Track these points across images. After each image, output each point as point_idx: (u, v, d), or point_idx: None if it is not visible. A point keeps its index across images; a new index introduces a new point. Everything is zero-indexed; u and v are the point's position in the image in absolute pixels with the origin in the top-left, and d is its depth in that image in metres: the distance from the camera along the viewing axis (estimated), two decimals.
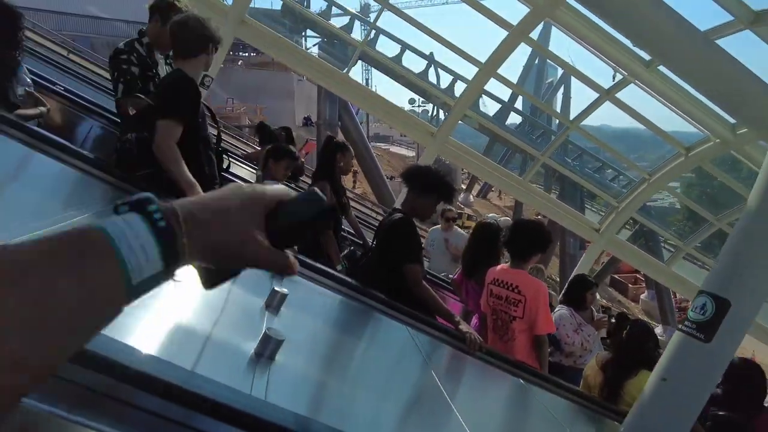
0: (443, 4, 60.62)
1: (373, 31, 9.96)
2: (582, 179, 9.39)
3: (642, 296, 25.13)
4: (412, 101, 33.78)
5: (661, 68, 6.21)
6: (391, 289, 2.69)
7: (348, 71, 7.34)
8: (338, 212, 3.95)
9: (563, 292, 4.80)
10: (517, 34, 6.45)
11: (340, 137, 16.96)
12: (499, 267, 3.55)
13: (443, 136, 7.42)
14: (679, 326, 2.29)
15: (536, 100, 16.20)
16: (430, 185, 2.91)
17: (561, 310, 4.24)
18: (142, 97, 2.63)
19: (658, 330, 18.85)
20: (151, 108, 2.33)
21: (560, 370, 3.84)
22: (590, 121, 7.23)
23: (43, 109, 3.12)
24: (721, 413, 3.10)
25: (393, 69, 11.90)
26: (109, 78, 2.97)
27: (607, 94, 7.12)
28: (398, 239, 2.82)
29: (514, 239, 3.48)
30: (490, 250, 3.96)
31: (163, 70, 2.98)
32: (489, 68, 6.77)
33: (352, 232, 4.74)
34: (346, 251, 3.74)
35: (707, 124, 6.80)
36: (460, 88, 15.90)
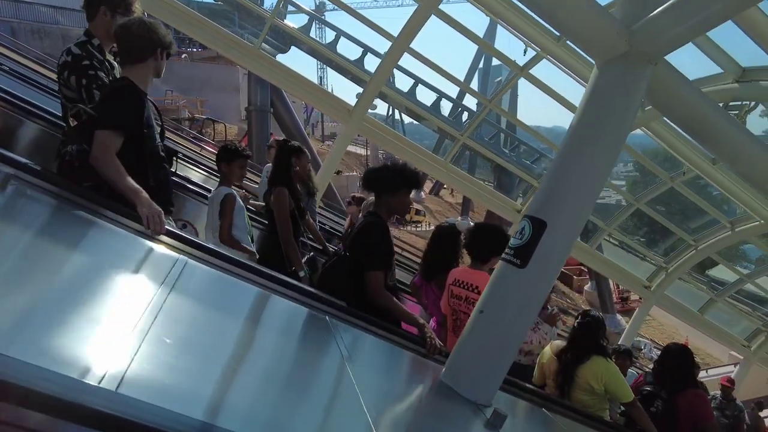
0: (398, 6, 60.97)
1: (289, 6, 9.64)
2: (504, 161, 9.40)
3: (585, 287, 25.81)
4: (359, 95, 33.39)
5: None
6: (355, 294, 2.65)
7: (259, 45, 7.01)
8: (298, 218, 3.84)
9: None
10: (427, 7, 6.32)
11: (273, 124, 16.64)
12: (460, 268, 3.62)
13: (360, 113, 7.22)
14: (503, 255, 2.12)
15: (458, 81, 16.19)
16: (395, 181, 2.87)
17: None
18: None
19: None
20: (92, 119, 2.19)
21: (520, 369, 3.90)
22: (544, 122, 7.46)
23: None
24: (647, 389, 3.94)
25: (304, 41, 11.58)
26: (56, 80, 2.68)
27: (521, 71, 7.12)
28: (363, 245, 2.78)
29: (475, 242, 3.59)
30: (449, 253, 3.95)
31: (118, 72, 2.72)
32: (402, 42, 6.61)
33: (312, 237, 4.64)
34: (306, 257, 3.79)
35: None
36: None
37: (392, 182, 2.88)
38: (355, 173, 33.86)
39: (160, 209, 2.04)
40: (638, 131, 7.10)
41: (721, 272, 11.40)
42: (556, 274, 2.00)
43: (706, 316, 9.97)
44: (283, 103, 14.79)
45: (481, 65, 32.96)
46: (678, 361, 3.90)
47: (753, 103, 5.78)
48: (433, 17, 6.39)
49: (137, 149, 2.26)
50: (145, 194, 2.07)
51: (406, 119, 40.81)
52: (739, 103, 5.81)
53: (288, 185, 3.77)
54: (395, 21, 7.91)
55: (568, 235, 1.93)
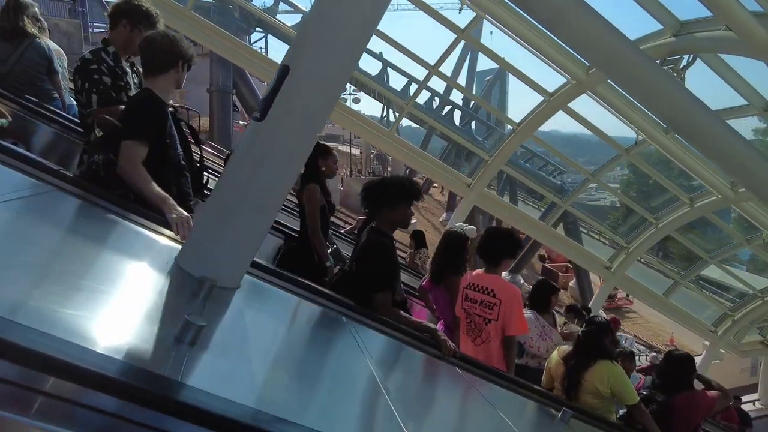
0: (393, 10, 61.11)
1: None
2: (453, 132, 9.13)
3: (571, 284, 25.48)
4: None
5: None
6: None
7: (247, 39, 6.76)
8: (328, 213, 4.06)
9: (528, 296, 5.00)
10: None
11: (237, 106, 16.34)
12: (474, 273, 3.73)
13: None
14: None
15: (458, 85, 15.90)
16: (395, 195, 2.90)
17: (527, 314, 4.42)
18: (119, 106, 2.59)
19: None
20: (117, 129, 2.27)
21: (529, 372, 4.29)
22: (542, 126, 7.65)
23: (3, 121, 2.95)
24: (643, 392, 4.31)
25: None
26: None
27: (461, 33, 6.84)
28: (367, 266, 2.80)
29: (487, 246, 3.68)
30: (457, 258, 4.09)
31: (131, 79, 2.87)
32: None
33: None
34: (331, 249, 3.98)
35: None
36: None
37: (392, 197, 2.89)
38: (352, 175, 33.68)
39: (188, 215, 2.11)
40: None
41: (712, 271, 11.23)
42: (302, 128, 1.68)
43: (671, 300, 9.65)
44: (246, 84, 14.49)
45: (468, 58, 32.66)
46: (678, 366, 4.15)
47: (691, 57, 5.49)
48: None
49: (160, 158, 2.33)
50: (172, 201, 2.13)
51: (403, 121, 40.51)
52: (677, 57, 5.52)
53: (318, 183, 3.94)
54: (389, 24, 7.79)
55: (314, 82, 1.62)
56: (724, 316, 10.03)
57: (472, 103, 24.89)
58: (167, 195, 2.15)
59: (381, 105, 37.28)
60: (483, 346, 3.53)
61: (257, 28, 15.69)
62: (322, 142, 4.38)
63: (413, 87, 21.26)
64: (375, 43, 6.83)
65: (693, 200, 8.21)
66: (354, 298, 2.60)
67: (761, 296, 9.51)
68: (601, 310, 21.69)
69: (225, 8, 12.79)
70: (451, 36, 6.92)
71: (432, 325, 2.83)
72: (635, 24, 6.44)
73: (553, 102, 7.19)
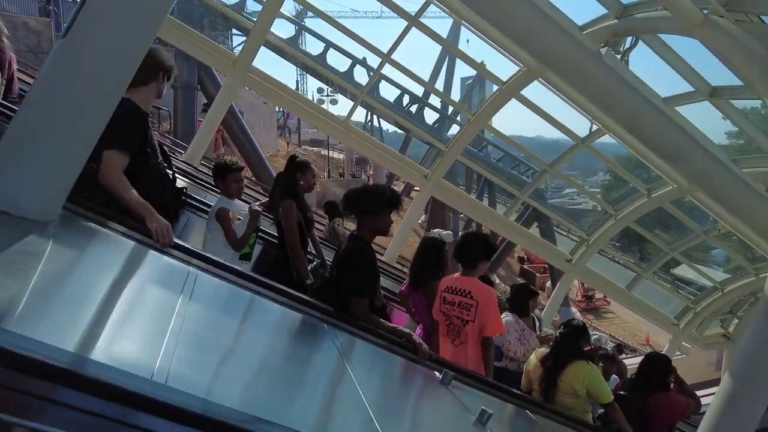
0: (377, 17, 61.29)
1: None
2: (409, 122, 9.01)
3: (548, 284, 25.51)
4: (320, 90, 33.43)
5: None
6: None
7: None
8: (305, 230, 4.03)
9: (508, 299, 5.13)
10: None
11: (200, 99, 16.11)
12: (452, 276, 3.80)
13: (244, 63, 6.78)
14: None
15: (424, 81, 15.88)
16: (376, 203, 2.93)
17: (507, 317, 4.63)
18: None
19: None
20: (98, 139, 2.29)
21: (507, 375, 4.40)
22: (526, 132, 7.47)
23: None
24: (621, 393, 4.39)
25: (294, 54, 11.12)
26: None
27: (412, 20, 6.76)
28: (347, 271, 2.84)
29: (463, 250, 3.74)
30: (434, 263, 4.17)
31: None
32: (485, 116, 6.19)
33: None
34: (311, 265, 3.87)
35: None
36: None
37: (373, 204, 2.92)
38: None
39: (168, 223, 2.15)
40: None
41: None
42: (110, 45, 1.52)
43: (634, 293, 9.63)
44: (212, 79, 14.24)
45: (446, 62, 32.83)
46: (656, 368, 4.35)
47: (633, 40, 5.47)
48: None
49: (142, 168, 2.39)
50: (153, 209, 2.18)
51: (386, 126, 40.60)
52: (620, 40, 5.49)
53: (295, 198, 3.92)
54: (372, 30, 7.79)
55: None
56: (686, 309, 10.04)
57: (450, 109, 24.90)
58: (147, 204, 2.21)
59: (365, 112, 37.48)
60: (462, 347, 3.61)
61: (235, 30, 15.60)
62: (300, 157, 4.42)
63: (406, 93, 21.42)
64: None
65: (650, 191, 8.21)
66: (335, 304, 2.67)
67: (720, 288, 9.54)
68: (576, 311, 21.83)
69: (189, 1, 12.59)
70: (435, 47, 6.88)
71: (408, 330, 2.87)
72: (584, 9, 6.41)
73: (506, 90, 7.13)
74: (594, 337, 4.78)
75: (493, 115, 7.53)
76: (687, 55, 6.21)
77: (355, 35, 7.36)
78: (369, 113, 38.92)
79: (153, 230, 2.08)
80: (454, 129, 8.53)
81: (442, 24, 30.63)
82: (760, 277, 9.53)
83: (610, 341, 16.85)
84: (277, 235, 4.12)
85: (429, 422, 1.87)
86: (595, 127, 7.46)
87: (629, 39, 5.57)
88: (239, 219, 3.81)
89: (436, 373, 2.24)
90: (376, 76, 7.90)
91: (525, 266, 28.58)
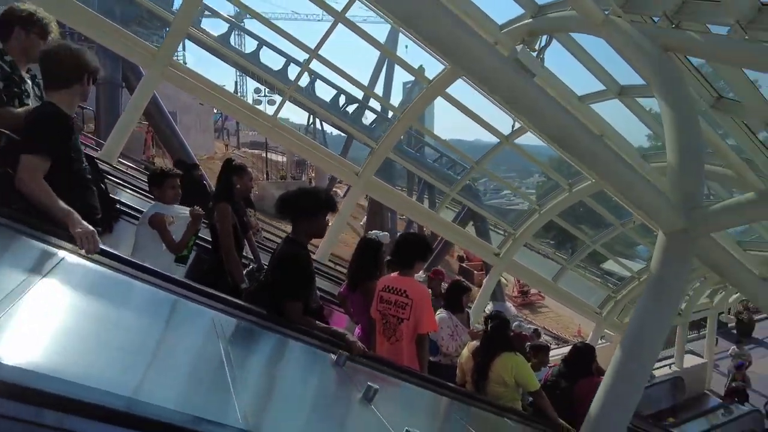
0: (318, 20, 60.99)
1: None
2: (339, 120, 9.00)
3: (485, 281, 26.19)
4: (257, 91, 32.87)
5: None
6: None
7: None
8: (240, 234, 3.94)
9: (443, 296, 5.28)
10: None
11: (125, 96, 15.39)
12: (389, 276, 3.88)
13: (165, 56, 6.49)
14: None
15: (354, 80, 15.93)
16: (312, 206, 2.93)
17: (441, 314, 4.79)
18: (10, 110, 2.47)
19: (489, 306, 19.63)
20: (13, 143, 2.25)
21: (441, 369, 4.53)
22: (465, 135, 7.51)
23: None
24: (551, 379, 4.87)
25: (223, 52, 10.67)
26: None
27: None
28: (281, 275, 2.83)
29: (400, 250, 3.85)
30: (371, 263, 4.18)
31: (30, 89, 2.73)
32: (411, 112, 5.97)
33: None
34: (247, 269, 3.86)
35: None
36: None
37: (308, 207, 2.92)
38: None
39: (93, 229, 2.06)
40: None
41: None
42: None
43: (559, 284, 10.08)
44: (137, 76, 13.57)
45: (385, 66, 33.12)
46: (582, 356, 4.76)
47: (547, 39, 5.72)
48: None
49: (65, 172, 2.30)
50: (77, 215, 2.08)
51: (328, 129, 40.32)
52: (535, 38, 5.75)
53: (230, 201, 3.85)
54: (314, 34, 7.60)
55: None
56: (608, 298, 10.63)
57: (390, 113, 25.11)
58: (71, 209, 2.12)
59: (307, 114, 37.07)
60: (397, 344, 3.67)
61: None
62: (237, 160, 4.38)
63: (342, 94, 21.28)
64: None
65: (572, 186, 8.62)
66: (270, 307, 2.66)
67: (637, 277, 10.18)
68: (511, 305, 22.59)
69: None
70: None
71: (342, 330, 2.90)
72: (505, 9, 6.65)
73: (432, 88, 7.27)
74: (515, 324, 4.98)
75: (420, 112, 7.66)
76: (601, 54, 6.59)
77: (284, 33, 7.27)
78: (311, 116, 38.60)
79: (77, 236, 1.99)
80: None
81: (381, 29, 30.98)
82: None
83: (529, 326, 17.63)
84: (211, 239, 4.05)
85: (317, 402, 1.86)
86: (517, 125, 7.75)
87: (544, 37, 5.83)
88: (172, 221, 3.67)
89: (332, 355, 2.22)
90: (304, 71, 7.82)
91: (464, 264, 29.23)
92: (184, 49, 32.26)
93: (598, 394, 2.91)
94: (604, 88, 6.72)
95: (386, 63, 32.17)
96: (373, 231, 4.78)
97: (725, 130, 5.88)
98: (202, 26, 18.29)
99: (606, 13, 4.56)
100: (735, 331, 19.50)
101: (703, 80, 5.24)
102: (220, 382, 1.57)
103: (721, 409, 11.64)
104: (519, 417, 3.85)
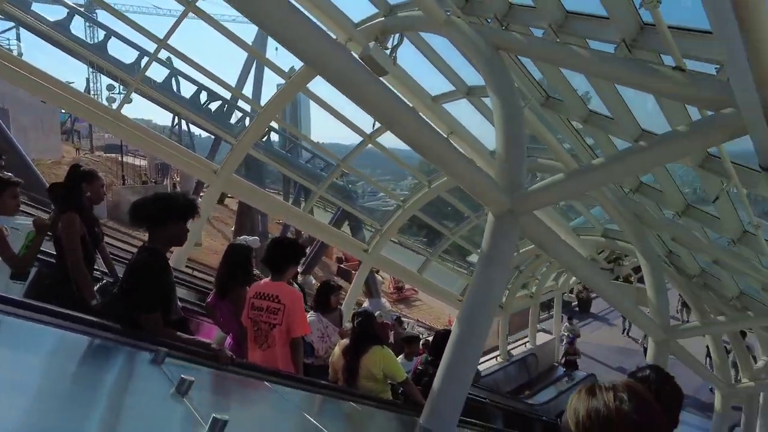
0: (164, 15, 57.59)
1: None
2: (190, 112, 8.50)
3: (356, 276, 26.70)
4: (110, 87, 30.21)
5: None
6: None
7: None
8: (90, 245, 3.65)
9: (313, 297, 5.23)
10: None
11: None
12: (260, 282, 3.81)
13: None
14: None
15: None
16: (167, 212, 2.74)
17: (311, 317, 4.76)
18: None
19: (366, 304, 20.03)
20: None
21: (313, 370, 4.59)
22: (342, 140, 7.10)
23: None
24: (419, 368, 5.16)
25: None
26: None
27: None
28: (135, 285, 2.64)
29: (272, 256, 3.76)
30: (241, 270, 4.07)
31: None
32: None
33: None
34: (99, 284, 3.58)
35: None
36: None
37: (163, 213, 2.73)
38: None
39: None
40: None
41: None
42: None
43: (424, 275, 10.56)
44: None
45: (254, 66, 32.16)
46: (443, 341, 4.75)
47: (399, 37, 5.95)
48: None
49: None
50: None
51: (197, 131, 37.93)
52: (387, 37, 5.94)
53: (79, 211, 3.56)
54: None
55: None
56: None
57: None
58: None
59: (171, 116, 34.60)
60: (269, 351, 3.61)
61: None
62: (88, 165, 4.07)
63: (204, 90, 19.94)
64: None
65: (431, 182, 9.08)
66: (125, 320, 2.47)
67: None
68: (386, 302, 23.26)
69: None
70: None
71: (207, 340, 2.83)
72: (362, 7, 6.77)
73: (291, 84, 7.15)
74: (377, 313, 5.12)
75: (280, 107, 7.49)
76: (453, 56, 7.00)
77: (131, 22, 6.64)
78: (175, 117, 36.15)
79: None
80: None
81: (251, 29, 29.87)
82: (520, 252, 11.35)
83: (391, 312, 18.58)
84: (56, 252, 3.70)
85: (123, 402, 1.68)
86: (378, 123, 7.95)
87: (397, 36, 6.05)
88: (8, 233, 3.32)
89: (147, 353, 2.03)
90: (152, 61, 7.18)
91: (343, 266, 29.52)
92: (18, 39, 28.30)
93: (439, 370, 3.06)
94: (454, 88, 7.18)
95: (255, 63, 31.27)
96: (242, 236, 4.69)
97: (555, 126, 6.61)
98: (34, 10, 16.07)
99: (447, 13, 4.86)
100: (577, 309, 22.28)
101: (535, 81, 5.84)
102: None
103: (565, 377, 13.55)
104: (382, 404, 3.92)
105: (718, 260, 6.46)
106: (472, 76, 7.19)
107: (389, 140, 8.45)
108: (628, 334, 18.52)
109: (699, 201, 5.72)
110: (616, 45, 3.28)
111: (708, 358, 11.33)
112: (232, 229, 28.47)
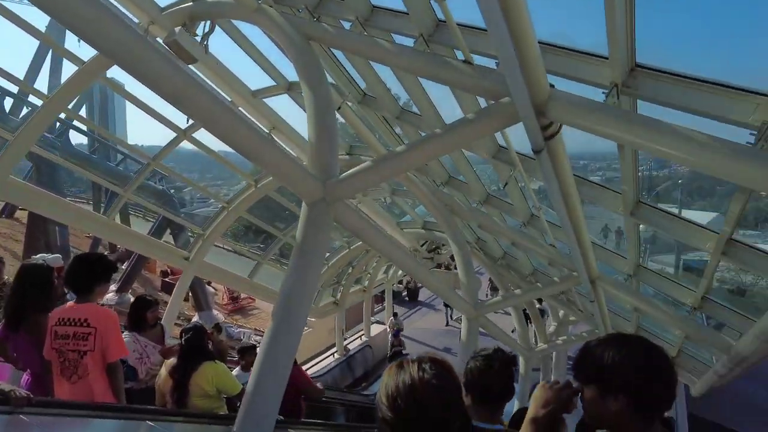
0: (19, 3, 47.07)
1: None
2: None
3: (176, 286, 24.84)
4: None
5: None
6: None
7: None
8: None
9: (126, 316, 4.77)
10: None
11: None
12: (63, 307, 3.42)
13: None
14: None
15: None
16: None
17: (126, 337, 4.35)
18: None
19: (195, 318, 18.63)
20: None
21: (131, 395, 4.10)
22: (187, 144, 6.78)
23: None
24: None
25: None
26: None
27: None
28: None
29: (76, 274, 3.42)
30: (39, 293, 3.60)
31: None
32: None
33: None
34: None
35: None
36: None
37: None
38: None
39: None
40: None
41: None
42: None
43: (256, 280, 10.15)
44: None
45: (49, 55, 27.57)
46: None
47: (210, 24, 5.57)
48: None
49: None
50: None
51: None
52: (197, 24, 5.52)
53: None
54: None
55: None
56: None
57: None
58: None
59: None
60: (81, 382, 3.25)
61: None
62: None
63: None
64: None
65: (257, 181, 8.74)
66: None
67: (326, 263, 11.14)
68: (218, 314, 21.95)
69: None
70: None
71: None
72: None
73: (84, 71, 6.20)
74: (199, 323, 4.74)
75: (72, 97, 6.46)
76: (274, 51, 6.78)
77: None
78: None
79: None
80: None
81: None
82: (351, 249, 11.64)
83: (217, 320, 17.99)
84: None
85: None
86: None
87: (208, 23, 5.64)
88: None
89: None
90: None
91: (168, 279, 26.96)
92: None
93: (255, 364, 2.90)
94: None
95: (51, 52, 26.85)
96: (39, 254, 4.33)
97: (374, 125, 6.88)
98: None
99: (259, 2, 4.68)
100: (406, 298, 23.80)
101: (352, 79, 5.98)
102: None
103: None
104: (190, 417, 3.65)
105: (515, 242, 7.41)
106: (294, 72, 7.13)
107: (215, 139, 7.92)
108: (451, 316, 20.40)
109: (501, 193, 6.49)
110: (416, 39, 3.49)
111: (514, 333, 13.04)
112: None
